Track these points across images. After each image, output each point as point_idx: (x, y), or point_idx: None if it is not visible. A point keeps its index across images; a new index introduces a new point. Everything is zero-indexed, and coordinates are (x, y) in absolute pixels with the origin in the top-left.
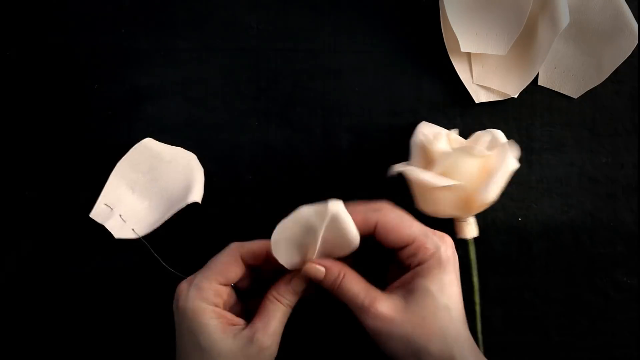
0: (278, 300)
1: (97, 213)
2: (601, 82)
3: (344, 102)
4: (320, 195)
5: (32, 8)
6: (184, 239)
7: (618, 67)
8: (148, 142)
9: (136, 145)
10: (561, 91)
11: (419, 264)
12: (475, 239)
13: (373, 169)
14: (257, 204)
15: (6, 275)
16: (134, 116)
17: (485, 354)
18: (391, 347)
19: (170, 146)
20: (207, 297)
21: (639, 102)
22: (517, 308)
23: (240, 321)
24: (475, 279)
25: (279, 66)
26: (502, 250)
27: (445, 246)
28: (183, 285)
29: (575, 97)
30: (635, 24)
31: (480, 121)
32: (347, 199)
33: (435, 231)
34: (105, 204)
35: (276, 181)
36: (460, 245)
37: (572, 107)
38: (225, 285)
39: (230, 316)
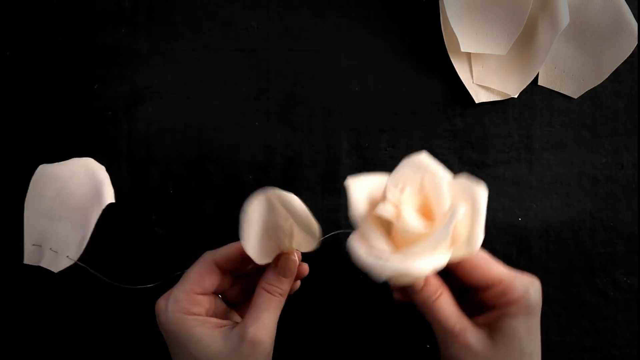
0: (267, 291)
1: (29, 257)
2: (601, 82)
3: (344, 102)
4: (320, 195)
5: (32, 8)
6: (184, 239)
7: (618, 67)
8: (41, 170)
9: (33, 178)
10: (561, 91)
11: (506, 305)
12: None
13: (373, 169)
14: None
15: (6, 275)
16: (134, 116)
17: None
18: None
19: (64, 162)
20: (185, 307)
21: (639, 102)
22: None
23: (227, 322)
24: None
25: (279, 66)
26: (502, 250)
27: (534, 289)
28: (161, 301)
29: (575, 97)
30: (635, 24)
31: (480, 121)
32: (347, 199)
33: (524, 273)
34: (34, 244)
35: (276, 181)
36: None
37: (572, 107)
38: (203, 294)
39: (215, 320)
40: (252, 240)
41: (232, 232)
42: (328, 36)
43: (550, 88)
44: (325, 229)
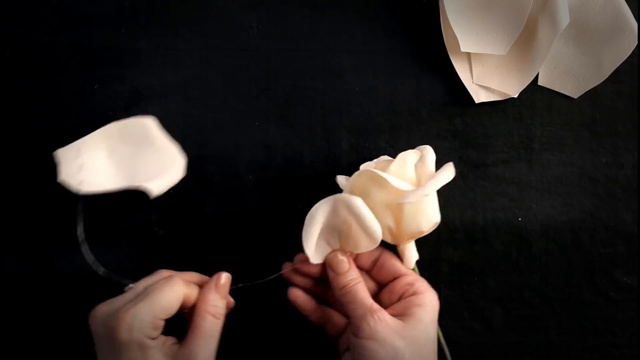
0: (212, 315)
1: (64, 156)
2: (601, 82)
3: (344, 102)
4: (320, 196)
5: (32, 8)
6: (184, 239)
7: (618, 67)
8: (148, 122)
9: (137, 119)
10: (561, 91)
11: (414, 294)
12: (475, 239)
13: None
14: (257, 204)
15: (6, 275)
16: (134, 116)
17: (486, 353)
18: (378, 353)
19: (167, 139)
20: (148, 332)
21: (639, 102)
22: (517, 308)
23: (171, 338)
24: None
25: (279, 66)
26: (502, 250)
27: (433, 291)
28: (121, 316)
29: (575, 97)
30: (635, 24)
31: (480, 121)
32: None
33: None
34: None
35: (276, 181)
36: (464, 246)
37: (572, 107)
38: (164, 319)
39: (164, 339)
40: (311, 242)
41: (232, 232)
42: (328, 36)
43: (550, 88)
44: None
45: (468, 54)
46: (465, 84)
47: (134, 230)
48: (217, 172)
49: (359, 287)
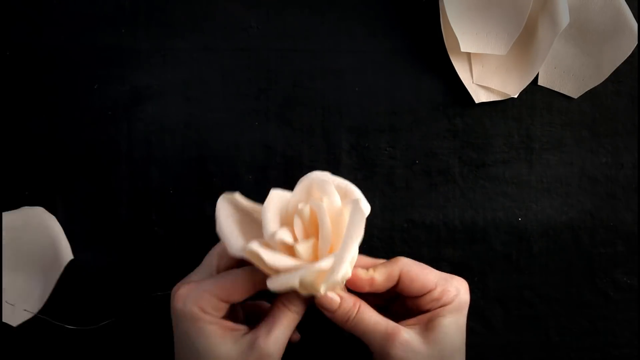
0: (285, 307)
1: None
2: (601, 82)
3: (344, 102)
4: None
5: (32, 8)
6: (184, 240)
7: (618, 67)
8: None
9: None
10: (561, 91)
11: (441, 307)
12: (475, 239)
13: (373, 169)
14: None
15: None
16: (134, 116)
17: (486, 353)
18: None
19: (15, 210)
20: (205, 308)
21: (639, 102)
22: (517, 308)
23: (241, 327)
24: None
25: (279, 66)
26: (502, 250)
27: (465, 289)
28: (182, 289)
29: (575, 97)
30: (635, 24)
31: (480, 121)
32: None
33: (453, 275)
34: None
35: (276, 181)
36: (464, 246)
37: (572, 107)
38: (227, 302)
39: (231, 324)
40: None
41: None
42: (328, 36)
43: (550, 88)
44: None
45: (468, 54)
46: (465, 84)
47: (134, 230)
48: (217, 172)
49: (363, 315)
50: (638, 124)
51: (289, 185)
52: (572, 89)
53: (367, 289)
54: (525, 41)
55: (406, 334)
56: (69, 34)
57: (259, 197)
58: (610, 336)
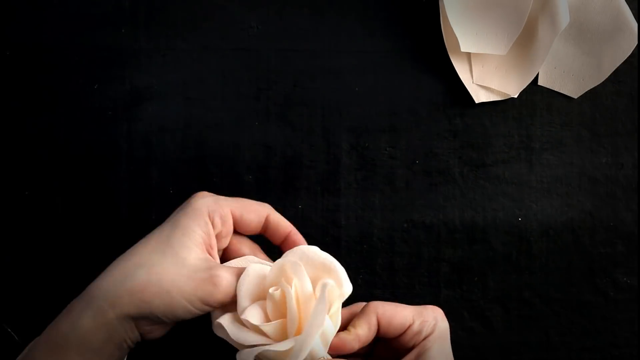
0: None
1: None
2: (601, 82)
3: (344, 102)
4: (320, 195)
5: (32, 8)
6: None
7: (618, 67)
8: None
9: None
10: (561, 91)
11: (424, 339)
12: (475, 239)
13: (373, 169)
14: None
15: (4, 275)
16: (134, 116)
17: (486, 353)
18: None
19: None
20: (213, 215)
21: (639, 102)
22: (517, 308)
23: (217, 261)
24: None
25: (279, 66)
26: (502, 250)
27: (441, 316)
28: (206, 193)
29: (575, 97)
30: (635, 24)
31: (480, 121)
32: (347, 199)
33: (427, 305)
34: None
35: (276, 181)
36: (464, 246)
37: (572, 107)
38: (233, 224)
39: (211, 245)
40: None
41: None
42: (328, 36)
43: (550, 88)
44: (325, 229)
45: (468, 54)
46: (465, 84)
47: (134, 230)
48: (217, 172)
49: None
50: (638, 124)
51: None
52: (572, 89)
53: (357, 347)
54: (525, 41)
55: None
56: (69, 34)
57: (259, 197)
58: (610, 336)
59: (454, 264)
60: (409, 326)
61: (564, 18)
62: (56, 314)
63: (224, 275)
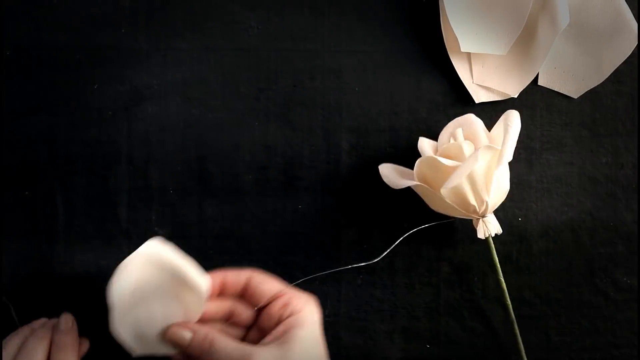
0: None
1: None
2: (601, 82)
3: (344, 102)
4: (320, 195)
5: (32, 8)
6: (184, 240)
7: (618, 67)
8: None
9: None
10: (561, 91)
11: (291, 314)
12: (475, 239)
13: (373, 169)
14: (257, 204)
15: (4, 275)
16: (134, 116)
17: (486, 353)
18: None
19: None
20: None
21: (639, 102)
22: (517, 308)
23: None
24: (501, 278)
25: (279, 66)
26: (502, 250)
27: (313, 302)
28: None
29: (575, 97)
30: (635, 24)
31: None
32: (347, 199)
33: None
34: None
35: (276, 181)
36: (464, 246)
37: (572, 107)
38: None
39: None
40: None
41: (232, 232)
42: (328, 36)
43: (550, 88)
44: (325, 229)
45: (468, 54)
46: (465, 84)
47: (134, 230)
48: (217, 172)
49: (219, 344)
50: (638, 124)
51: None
52: (572, 89)
53: (217, 291)
54: (525, 41)
55: (262, 355)
56: (69, 34)
57: (259, 197)
58: (610, 336)
59: (454, 264)
60: (279, 297)
61: (564, 18)
62: (56, 313)
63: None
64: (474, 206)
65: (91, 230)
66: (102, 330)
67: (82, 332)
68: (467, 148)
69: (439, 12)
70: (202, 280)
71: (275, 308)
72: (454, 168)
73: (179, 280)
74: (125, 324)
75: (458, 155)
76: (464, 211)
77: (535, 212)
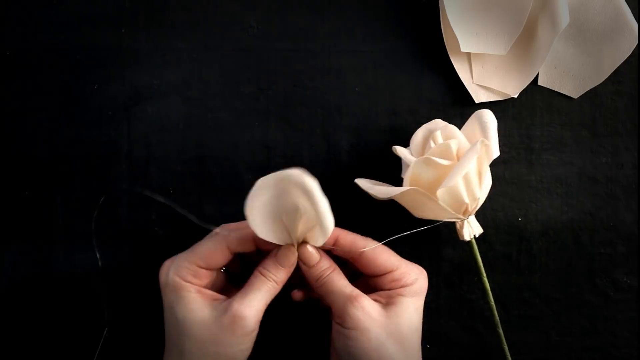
0: (262, 275)
1: None
2: (601, 82)
3: (344, 102)
4: None
5: (32, 8)
6: (184, 239)
7: (618, 67)
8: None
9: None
10: (561, 91)
11: (401, 287)
12: (475, 238)
13: (373, 169)
14: None
15: (4, 275)
16: (134, 116)
17: (486, 353)
18: (361, 343)
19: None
20: (185, 275)
21: (639, 102)
22: (517, 308)
23: (222, 296)
24: (485, 279)
25: (279, 66)
26: (502, 250)
27: (424, 277)
28: (166, 262)
29: (575, 97)
30: (635, 24)
31: None
32: (347, 199)
33: (415, 263)
34: None
35: None
36: (464, 246)
37: (572, 107)
38: (206, 269)
39: (212, 293)
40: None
41: None
42: (328, 36)
43: (550, 88)
44: None
45: (468, 54)
46: (465, 84)
47: (134, 230)
48: (217, 172)
49: (334, 276)
50: (638, 124)
51: None
52: (572, 89)
53: (331, 243)
54: (525, 41)
55: (367, 301)
56: (68, 34)
57: None
58: (610, 336)
59: (454, 264)
60: (391, 271)
61: (564, 18)
62: (57, 313)
63: (240, 311)
64: (467, 204)
65: (91, 229)
66: (102, 330)
67: (82, 332)
68: (455, 146)
69: (439, 12)
70: (331, 220)
71: (389, 278)
72: (451, 167)
73: (314, 207)
74: (258, 211)
75: (447, 156)
76: (454, 212)
77: (535, 212)
